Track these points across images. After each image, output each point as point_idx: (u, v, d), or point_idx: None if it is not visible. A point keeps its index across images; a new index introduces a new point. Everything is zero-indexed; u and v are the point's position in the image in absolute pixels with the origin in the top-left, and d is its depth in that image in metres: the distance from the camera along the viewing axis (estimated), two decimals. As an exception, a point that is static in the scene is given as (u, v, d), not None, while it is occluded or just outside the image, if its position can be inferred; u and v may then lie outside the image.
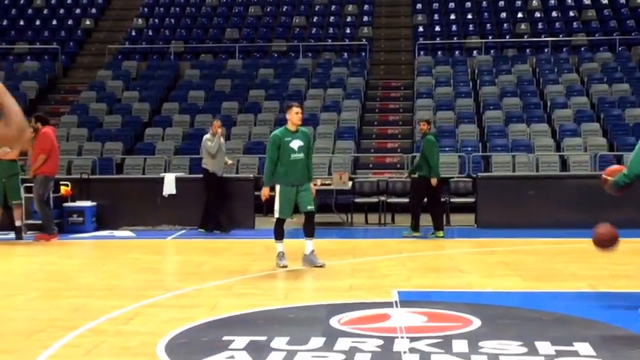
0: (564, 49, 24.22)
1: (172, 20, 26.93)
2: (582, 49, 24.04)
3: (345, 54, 25.08)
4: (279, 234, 9.88)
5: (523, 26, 25.26)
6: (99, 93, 22.65)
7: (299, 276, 9.45)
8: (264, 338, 6.13)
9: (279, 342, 6.02)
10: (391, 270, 9.71)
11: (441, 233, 12.79)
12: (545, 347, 5.84)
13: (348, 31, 26.01)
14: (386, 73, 24.35)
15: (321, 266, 9.76)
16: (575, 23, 25.14)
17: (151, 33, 26.39)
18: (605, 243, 7.12)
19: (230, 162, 14.64)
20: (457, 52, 24.80)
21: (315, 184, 15.44)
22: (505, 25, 25.48)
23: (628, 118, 19.59)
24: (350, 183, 15.18)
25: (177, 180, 14.71)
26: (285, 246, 9.92)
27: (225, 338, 6.14)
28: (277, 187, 9.75)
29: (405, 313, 7.11)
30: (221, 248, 12.00)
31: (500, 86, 21.71)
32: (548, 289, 8.49)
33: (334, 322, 6.75)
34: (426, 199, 12.98)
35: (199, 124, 20.52)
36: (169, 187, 14.55)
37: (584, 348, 5.81)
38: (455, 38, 25.31)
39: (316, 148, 19.20)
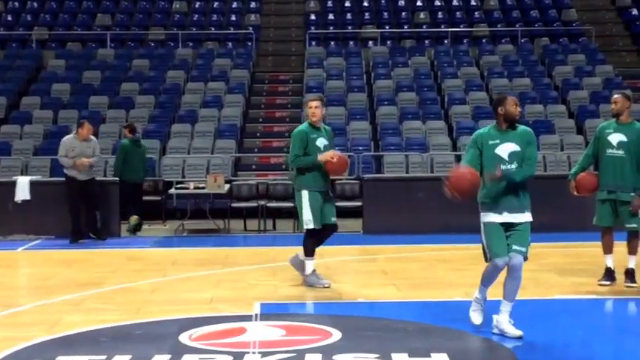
0: (465, 41, 24.99)
1: (35, 4, 26.49)
2: (484, 40, 24.87)
3: (230, 44, 25.21)
4: (312, 249, 9.26)
5: (422, 15, 25.94)
6: (-54, 85, 22.12)
7: (158, 289, 9.56)
8: (103, 357, 6.26)
9: (119, 361, 6.16)
10: (260, 280, 9.93)
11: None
12: (401, 359, 6.16)
13: (233, 18, 26.16)
14: (274, 65, 24.59)
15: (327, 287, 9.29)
16: (476, 13, 25.96)
17: (10, 18, 25.91)
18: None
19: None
20: (351, 43, 25.26)
21: (195, 187, 15.51)
22: (403, 14, 26.10)
23: (528, 115, 20.31)
24: (227, 186, 15.31)
25: (33, 184, 14.54)
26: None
27: (59, 358, 6.23)
28: (304, 194, 9.15)
29: (263, 326, 7.34)
30: (77, 260, 11.95)
31: (395, 80, 22.23)
32: (421, 298, 8.88)
33: (184, 337, 6.93)
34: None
35: (63, 121, 20.29)
36: (23, 193, 14.35)
37: (440, 359, 6.15)
38: (349, 28, 25.79)
39: (194, 147, 19.29)
